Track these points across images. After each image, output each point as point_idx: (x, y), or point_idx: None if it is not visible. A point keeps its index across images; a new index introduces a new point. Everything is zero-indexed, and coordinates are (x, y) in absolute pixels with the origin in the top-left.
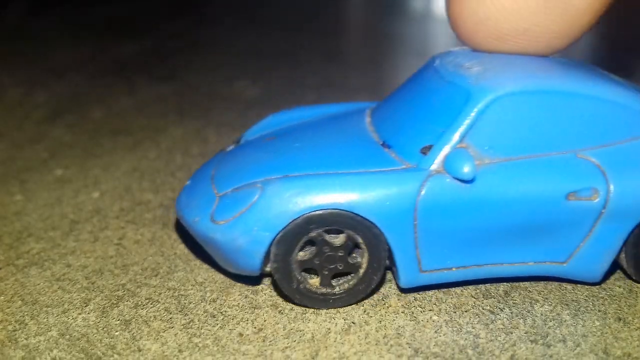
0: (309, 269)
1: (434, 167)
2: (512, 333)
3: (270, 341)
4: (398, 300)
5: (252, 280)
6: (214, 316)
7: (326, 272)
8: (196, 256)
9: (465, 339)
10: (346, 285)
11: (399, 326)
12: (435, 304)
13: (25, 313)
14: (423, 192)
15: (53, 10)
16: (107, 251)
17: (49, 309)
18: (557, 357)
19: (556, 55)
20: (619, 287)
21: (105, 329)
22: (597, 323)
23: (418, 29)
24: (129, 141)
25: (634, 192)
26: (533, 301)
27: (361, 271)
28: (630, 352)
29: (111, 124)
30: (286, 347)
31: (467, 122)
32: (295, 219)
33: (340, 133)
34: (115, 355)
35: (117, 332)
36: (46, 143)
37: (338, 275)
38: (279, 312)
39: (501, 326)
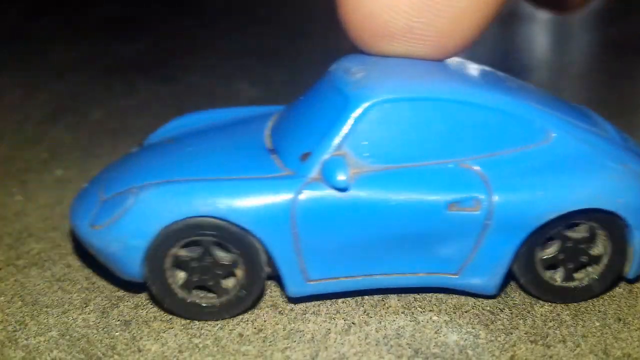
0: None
1: (311, 174)
2: (512, 333)
3: (270, 342)
4: (398, 300)
5: None
6: None
7: (211, 283)
8: None
9: (465, 339)
10: (226, 297)
11: (399, 327)
12: (435, 304)
13: (26, 313)
14: (300, 200)
15: (52, 11)
16: None
17: (49, 309)
18: (557, 358)
19: (457, 59)
20: (619, 287)
21: (105, 330)
22: (597, 323)
23: None
24: (128, 141)
25: (519, 203)
26: (533, 301)
27: (241, 281)
28: (630, 352)
29: (111, 124)
30: (286, 348)
31: (344, 129)
32: (166, 227)
33: (237, 138)
34: (116, 356)
35: (117, 332)
36: (46, 143)
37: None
38: (279, 312)
39: (501, 327)
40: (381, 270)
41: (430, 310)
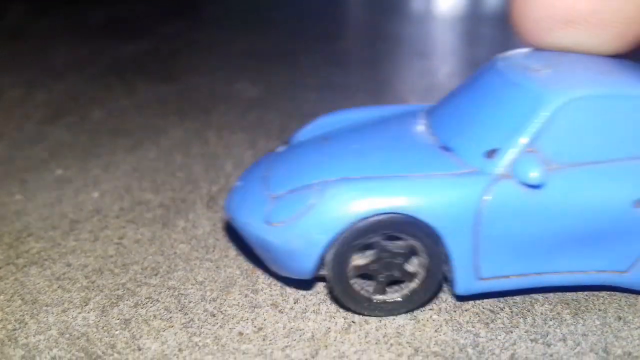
0: (365, 275)
1: (500, 171)
2: (512, 332)
3: (270, 340)
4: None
5: (252, 282)
6: (213, 315)
7: (382, 279)
8: (196, 255)
9: (465, 337)
10: (401, 294)
11: (399, 325)
12: (435, 303)
13: (25, 312)
14: (488, 197)
15: (52, 11)
16: (107, 250)
17: (49, 308)
18: (557, 356)
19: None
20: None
21: (105, 328)
22: (598, 322)
23: (418, 29)
24: (128, 141)
25: None
26: (533, 300)
27: (418, 279)
28: (630, 351)
29: (111, 124)
30: (286, 346)
31: (536, 126)
32: (353, 223)
33: (397, 136)
34: (115, 354)
35: (117, 331)
36: (46, 143)
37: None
38: (279, 311)
39: (501, 325)
40: (552, 268)
41: (430, 309)
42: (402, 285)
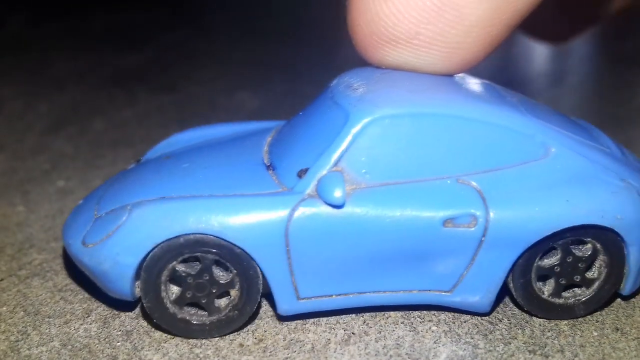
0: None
1: (307, 191)
2: (510, 343)
3: (271, 352)
4: (397, 310)
5: None
6: None
7: (204, 301)
8: None
9: (464, 349)
10: (219, 315)
11: (399, 336)
12: (434, 314)
13: (28, 323)
14: (295, 217)
15: (53, 22)
16: None
17: (51, 319)
18: None
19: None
20: (617, 297)
21: (106, 340)
22: (595, 333)
23: None
24: (129, 152)
25: (516, 220)
26: None
27: (235, 300)
28: None
29: (112, 135)
30: (286, 358)
31: (342, 145)
32: (159, 244)
33: (235, 154)
34: None
35: (118, 342)
36: (48, 154)
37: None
38: (279, 322)
39: (500, 336)
40: (374, 287)
41: (430, 320)
42: (223, 307)
